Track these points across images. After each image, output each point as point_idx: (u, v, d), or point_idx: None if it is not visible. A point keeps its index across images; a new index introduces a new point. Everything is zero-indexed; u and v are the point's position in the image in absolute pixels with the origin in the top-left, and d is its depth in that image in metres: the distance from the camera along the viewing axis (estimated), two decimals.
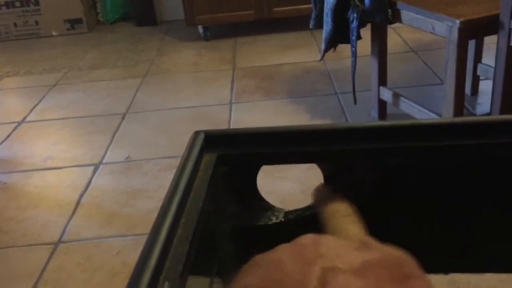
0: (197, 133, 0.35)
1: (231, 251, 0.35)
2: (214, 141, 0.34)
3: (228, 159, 0.34)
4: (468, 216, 0.36)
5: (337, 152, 0.34)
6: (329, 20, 1.63)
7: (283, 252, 0.22)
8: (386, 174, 0.36)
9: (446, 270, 0.39)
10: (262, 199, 0.37)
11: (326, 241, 0.23)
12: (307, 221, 0.36)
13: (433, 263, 0.38)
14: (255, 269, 0.22)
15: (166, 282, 0.24)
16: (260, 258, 0.22)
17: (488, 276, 1.08)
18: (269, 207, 0.37)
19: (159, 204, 0.29)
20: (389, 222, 0.37)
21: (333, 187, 0.34)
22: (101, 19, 3.43)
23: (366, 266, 0.21)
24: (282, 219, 0.36)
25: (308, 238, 0.23)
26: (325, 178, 0.36)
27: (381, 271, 0.21)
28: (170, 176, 0.31)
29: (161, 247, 0.26)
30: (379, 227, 0.37)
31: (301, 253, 0.22)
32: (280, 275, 0.21)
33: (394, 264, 0.22)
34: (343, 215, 0.30)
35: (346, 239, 0.25)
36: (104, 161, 1.77)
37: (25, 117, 2.16)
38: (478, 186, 0.35)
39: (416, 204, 0.36)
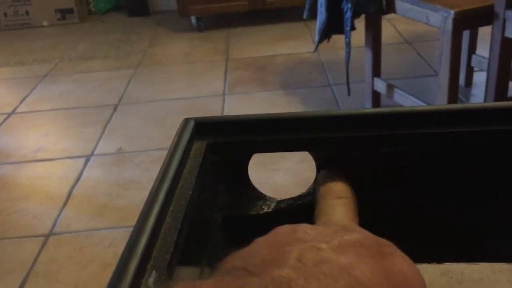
0: (187, 120, 0.34)
1: (221, 241, 0.35)
2: (204, 129, 0.33)
3: (219, 147, 0.33)
4: (462, 205, 0.36)
5: (330, 139, 0.33)
6: (323, 10, 1.62)
7: (259, 243, 0.22)
8: (380, 162, 0.35)
9: (439, 260, 0.38)
10: (253, 188, 0.36)
11: (302, 228, 0.22)
12: (300, 210, 0.36)
13: (426, 253, 0.37)
14: (229, 257, 0.21)
15: (154, 271, 0.24)
16: (238, 250, 0.22)
17: (482, 266, 1.09)
18: (261, 196, 0.36)
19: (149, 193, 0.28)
20: (383, 210, 0.36)
21: (339, 170, 0.33)
22: (93, 9, 3.39)
23: (345, 245, 0.20)
24: (274, 209, 0.36)
25: (284, 227, 0.23)
26: (318, 166, 0.35)
27: (360, 249, 0.20)
28: None
29: (148, 236, 0.25)
30: (372, 216, 0.36)
31: (277, 240, 0.21)
32: (254, 258, 0.20)
33: (374, 244, 0.21)
34: (335, 196, 0.30)
35: (324, 225, 0.24)
36: (95, 152, 1.76)
37: (15, 108, 2.14)
38: (473, 174, 0.35)
39: (410, 193, 0.35)
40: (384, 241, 0.22)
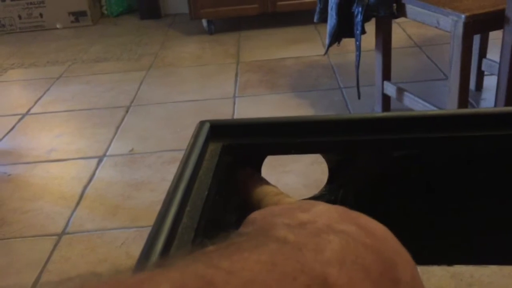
0: (202, 123, 0.35)
1: None
2: (219, 131, 0.34)
3: (233, 149, 0.34)
4: (472, 208, 0.36)
5: (342, 143, 0.34)
6: (334, 14, 1.63)
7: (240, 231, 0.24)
8: (391, 165, 0.36)
9: (449, 262, 0.39)
10: (260, 175, 0.37)
11: (272, 209, 0.25)
12: None
13: (437, 255, 0.38)
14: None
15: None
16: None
17: (492, 269, 1.08)
18: None
19: (163, 196, 0.29)
20: (393, 213, 0.37)
21: (254, 170, 0.35)
22: (105, 12, 3.42)
23: (319, 213, 0.22)
24: None
25: (256, 212, 0.24)
26: (330, 169, 0.36)
27: (332, 214, 0.22)
28: (173, 169, 0.31)
29: (166, 235, 0.26)
30: (383, 217, 0.37)
31: (260, 222, 0.23)
32: (248, 229, 0.23)
33: (341, 210, 0.23)
34: (275, 193, 0.31)
35: (287, 205, 0.26)
36: (108, 153, 1.78)
37: (29, 109, 2.17)
38: (482, 178, 0.35)
39: (421, 195, 0.36)
40: (341, 207, 0.24)
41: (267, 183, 0.33)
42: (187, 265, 0.18)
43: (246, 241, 0.20)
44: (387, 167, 0.36)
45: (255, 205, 0.31)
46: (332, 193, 0.37)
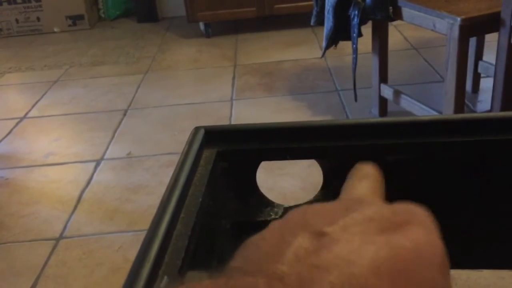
0: (197, 129, 0.35)
1: (230, 247, 0.36)
2: (214, 137, 0.35)
3: (228, 155, 0.34)
4: (467, 212, 0.36)
5: (337, 148, 0.34)
6: (330, 17, 1.63)
7: (269, 228, 0.20)
8: (386, 170, 0.36)
9: None
10: (261, 195, 0.37)
11: (313, 209, 0.21)
12: None
13: None
14: (238, 251, 0.20)
15: (165, 277, 0.25)
16: (251, 238, 0.21)
17: (488, 273, 1.09)
18: (269, 203, 0.37)
19: (160, 200, 0.29)
20: None
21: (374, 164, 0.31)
22: (103, 16, 3.42)
23: (350, 224, 0.19)
24: (282, 215, 0.37)
25: (296, 211, 0.21)
26: (325, 174, 0.36)
27: (368, 225, 0.19)
28: (171, 172, 0.31)
29: (160, 242, 0.26)
30: None
31: (284, 229, 0.20)
32: (256, 253, 0.19)
33: (386, 215, 0.19)
34: (360, 176, 0.27)
35: (340, 201, 0.22)
36: (105, 157, 1.78)
37: (27, 113, 2.17)
38: (477, 182, 0.35)
39: (416, 201, 0.36)
40: (401, 208, 0.20)
41: (372, 165, 0.28)
42: None
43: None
44: (382, 172, 0.36)
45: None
46: (327, 198, 0.37)
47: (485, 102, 1.89)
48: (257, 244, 0.20)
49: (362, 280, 0.16)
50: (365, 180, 0.26)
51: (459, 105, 1.47)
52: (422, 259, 0.18)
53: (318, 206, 0.21)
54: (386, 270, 0.17)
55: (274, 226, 0.21)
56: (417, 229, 0.19)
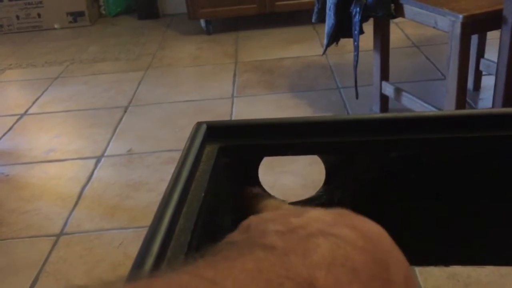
0: (199, 124, 0.35)
1: None
2: (216, 132, 0.34)
3: (230, 150, 0.34)
4: (469, 208, 0.36)
5: (339, 144, 0.34)
6: (332, 14, 1.63)
7: (231, 238, 0.24)
8: (388, 166, 0.36)
9: (446, 263, 0.39)
10: (263, 190, 0.37)
11: (265, 213, 0.25)
12: None
13: (434, 255, 0.38)
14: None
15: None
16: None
17: (489, 269, 1.09)
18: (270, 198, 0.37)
19: (161, 197, 0.29)
20: (390, 213, 0.37)
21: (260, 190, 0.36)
22: (103, 12, 3.42)
23: (314, 215, 0.22)
24: None
25: (250, 218, 0.24)
26: (327, 170, 0.36)
27: (325, 217, 0.22)
28: (171, 169, 0.31)
29: (163, 237, 0.26)
30: (380, 218, 0.37)
31: (250, 226, 0.23)
32: (239, 237, 0.23)
33: (336, 214, 0.23)
34: (275, 205, 0.31)
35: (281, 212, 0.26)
36: (106, 153, 1.78)
37: (27, 110, 2.17)
38: (480, 178, 0.35)
39: (418, 196, 0.36)
40: (344, 212, 0.23)
41: (270, 197, 0.33)
42: (172, 276, 0.18)
43: (233, 250, 0.20)
44: (384, 168, 0.36)
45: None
46: (329, 194, 0.37)
47: (486, 100, 1.88)
48: (230, 242, 0.23)
49: (353, 242, 0.20)
50: (276, 203, 0.32)
51: (461, 102, 1.47)
52: (381, 235, 0.22)
53: (270, 214, 0.25)
54: (365, 237, 0.21)
55: (234, 236, 0.24)
56: (367, 222, 0.23)
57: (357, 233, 0.21)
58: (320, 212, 0.23)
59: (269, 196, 0.34)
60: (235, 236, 0.23)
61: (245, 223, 0.24)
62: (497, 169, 0.35)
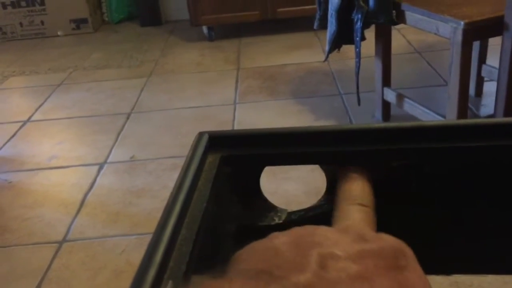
0: (201, 134, 0.35)
1: (234, 251, 0.36)
2: (218, 142, 0.35)
3: (232, 160, 0.34)
4: (471, 217, 0.36)
5: (341, 153, 0.34)
6: (333, 21, 1.63)
7: (279, 240, 0.22)
8: (389, 175, 0.36)
9: (448, 271, 0.39)
10: (265, 199, 0.38)
11: (322, 231, 0.23)
12: (310, 222, 0.37)
13: (435, 264, 0.38)
14: (250, 254, 0.22)
15: (170, 281, 0.25)
16: (255, 244, 0.22)
17: (491, 277, 1.08)
18: (272, 208, 0.37)
19: (163, 203, 0.29)
20: (391, 223, 0.37)
21: (362, 171, 0.33)
22: (106, 19, 3.44)
23: (363, 255, 0.21)
24: (285, 220, 0.37)
25: (304, 228, 0.23)
26: (328, 180, 0.36)
27: (377, 260, 0.21)
28: (174, 176, 0.31)
29: (165, 247, 0.26)
30: (381, 228, 0.37)
31: (297, 241, 0.22)
32: (277, 259, 0.21)
33: (390, 255, 0.22)
34: (356, 202, 0.29)
35: (342, 231, 0.24)
36: (108, 160, 1.78)
37: (30, 117, 2.18)
38: (482, 188, 0.35)
39: (419, 206, 0.36)
40: (400, 251, 0.23)
41: (361, 184, 0.31)
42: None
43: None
44: (386, 177, 0.36)
45: (334, 206, 0.30)
46: (330, 203, 0.37)
47: (488, 106, 1.88)
48: (274, 248, 0.21)
49: None
50: (362, 208, 0.29)
51: (462, 109, 1.47)
52: None
53: (327, 230, 0.23)
54: None
55: (281, 237, 0.22)
56: (414, 275, 0.22)
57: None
58: (380, 250, 0.22)
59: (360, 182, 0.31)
60: (279, 240, 0.22)
61: (296, 233, 0.23)
62: (500, 179, 0.35)
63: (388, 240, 0.23)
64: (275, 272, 0.20)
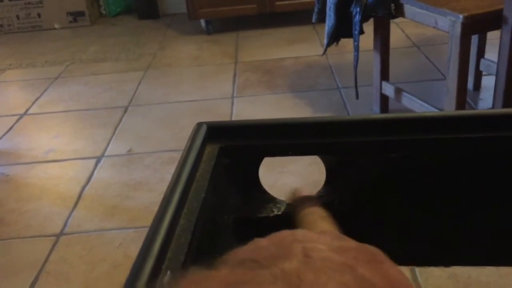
0: (199, 125, 0.35)
1: (232, 242, 0.36)
2: (216, 133, 0.34)
3: (230, 151, 0.34)
4: (469, 209, 0.36)
5: (339, 144, 0.34)
6: (332, 14, 1.63)
7: (262, 242, 0.23)
8: (388, 166, 0.36)
9: (446, 263, 0.39)
10: (264, 191, 0.37)
11: (301, 232, 0.24)
12: None
13: (434, 256, 0.38)
14: (237, 252, 0.22)
15: (168, 272, 0.25)
16: (239, 248, 0.23)
17: (489, 270, 1.09)
18: (271, 199, 0.37)
19: (161, 197, 0.29)
20: (391, 214, 0.37)
21: (313, 196, 0.35)
22: (104, 12, 3.42)
23: (343, 249, 0.22)
24: (284, 211, 0.36)
25: (283, 232, 0.24)
26: (327, 170, 0.36)
27: (357, 254, 0.22)
28: (171, 169, 0.31)
29: (163, 237, 0.26)
30: (380, 219, 0.37)
31: (280, 242, 0.23)
32: (264, 252, 0.22)
33: (368, 251, 0.23)
34: (318, 216, 0.31)
35: (321, 233, 0.25)
36: (106, 154, 1.78)
37: (27, 110, 2.17)
38: (480, 179, 0.35)
39: (418, 197, 0.36)
40: (375, 250, 0.24)
41: (316, 204, 0.33)
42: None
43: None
44: (384, 168, 0.36)
45: (298, 222, 0.32)
46: (329, 195, 0.37)
47: (486, 100, 1.88)
48: (259, 246, 0.23)
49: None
50: (327, 219, 0.31)
51: (461, 103, 1.46)
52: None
53: (307, 232, 0.25)
54: None
55: (264, 240, 0.23)
56: (393, 268, 0.23)
57: (386, 282, 0.21)
58: (358, 247, 0.23)
59: (315, 202, 0.33)
60: (262, 242, 0.23)
61: (277, 236, 0.24)
62: (498, 170, 0.35)
63: (364, 243, 0.24)
64: (262, 262, 0.20)
